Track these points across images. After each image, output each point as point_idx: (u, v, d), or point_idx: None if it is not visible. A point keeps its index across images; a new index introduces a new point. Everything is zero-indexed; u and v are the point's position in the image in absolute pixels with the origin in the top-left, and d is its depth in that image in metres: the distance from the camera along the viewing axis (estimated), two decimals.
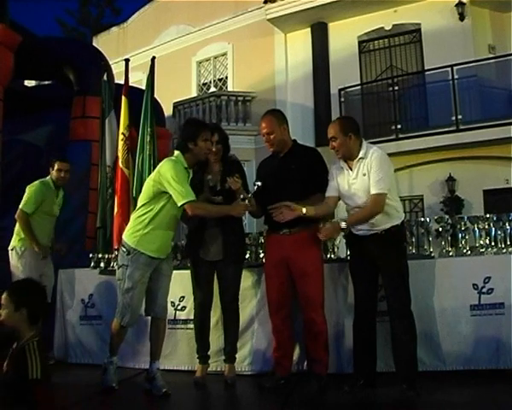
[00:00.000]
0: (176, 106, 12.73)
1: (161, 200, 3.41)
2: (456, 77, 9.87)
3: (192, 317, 3.93)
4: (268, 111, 3.82)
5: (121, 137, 5.26)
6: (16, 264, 4.52)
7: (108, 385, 3.46)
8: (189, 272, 3.91)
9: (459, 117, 9.74)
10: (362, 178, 3.28)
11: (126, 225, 3.69)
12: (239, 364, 3.89)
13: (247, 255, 4.38)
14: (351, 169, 3.35)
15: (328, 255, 4.07)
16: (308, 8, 11.44)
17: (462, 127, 9.70)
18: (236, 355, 3.81)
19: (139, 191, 4.29)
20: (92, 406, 3.45)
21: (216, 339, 3.91)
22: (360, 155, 3.30)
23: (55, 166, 4.71)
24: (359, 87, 11.25)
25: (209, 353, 3.82)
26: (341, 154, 3.35)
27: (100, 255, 4.81)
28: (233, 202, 3.51)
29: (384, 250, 3.28)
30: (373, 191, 3.22)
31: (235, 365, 3.81)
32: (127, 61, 5.77)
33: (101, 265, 4.74)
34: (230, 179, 3.49)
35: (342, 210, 3.81)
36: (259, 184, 3.48)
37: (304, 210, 3.31)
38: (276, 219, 3.34)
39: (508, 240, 3.81)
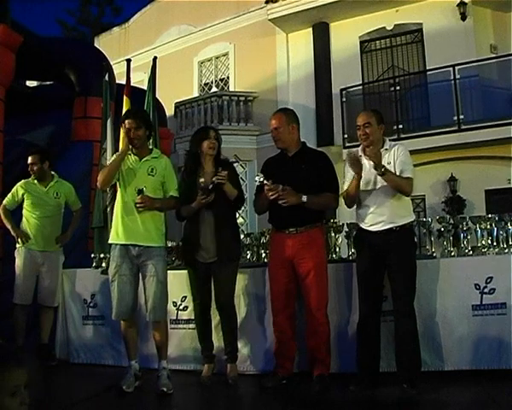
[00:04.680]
0: (177, 106, 12.74)
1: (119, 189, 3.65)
2: (457, 77, 9.84)
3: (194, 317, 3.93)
4: (280, 108, 3.93)
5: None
6: (16, 262, 4.59)
7: (119, 385, 3.45)
8: None
9: (461, 117, 9.71)
10: (386, 166, 3.34)
11: None
12: (241, 363, 3.88)
13: (249, 255, 4.39)
14: None
15: (330, 255, 4.05)
16: (310, 8, 11.43)
17: (463, 127, 9.67)
18: (238, 355, 3.80)
19: None
20: (92, 406, 3.44)
21: (218, 339, 3.90)
22: (386, 147, 3.40)
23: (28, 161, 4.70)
24: (361, 87, 11.22)
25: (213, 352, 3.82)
26: (370, 142, 3.38)
27: (102, 255, 4.81)
28: (223, 198, 3.56)
29: (398, 247, 3.30)
30: (406, 175, 3.31)
31: (237, 364, 3.80)
32: (129, 61, 5.76)
33: (103, 265, 4.74)
34: (217, 176, 3.52)
35: (344, 210, 3.81)
36: (261, 178, 3.42)
37: (304, 198, 3.37)
38: (281, 202, 3.36)
39: (510, 240, 3.81)
